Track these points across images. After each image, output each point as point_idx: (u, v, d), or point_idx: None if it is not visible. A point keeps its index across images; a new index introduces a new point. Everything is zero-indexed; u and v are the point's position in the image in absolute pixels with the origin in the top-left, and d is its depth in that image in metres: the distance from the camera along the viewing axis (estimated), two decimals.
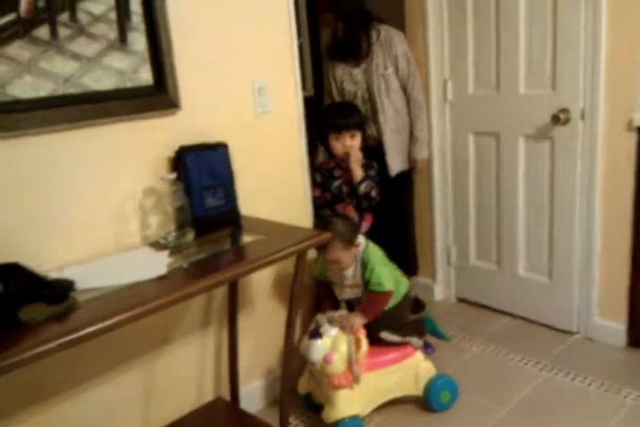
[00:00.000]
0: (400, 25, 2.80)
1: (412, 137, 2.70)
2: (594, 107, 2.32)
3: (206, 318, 2.01)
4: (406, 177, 2.81)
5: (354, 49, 2.61)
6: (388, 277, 2.10)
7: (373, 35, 2.60)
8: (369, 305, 2.09)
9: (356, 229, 2.13)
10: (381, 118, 2.61)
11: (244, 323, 2.08)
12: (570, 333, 2.61)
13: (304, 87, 2.27)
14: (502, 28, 2.51)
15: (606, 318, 2.51)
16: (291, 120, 2.17)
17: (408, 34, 2.77)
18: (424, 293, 3.00)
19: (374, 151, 2.61)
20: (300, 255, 1.71)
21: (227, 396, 2.09)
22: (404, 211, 2.90)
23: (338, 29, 2.60)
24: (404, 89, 2.65)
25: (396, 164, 2.68)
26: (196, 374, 2.01)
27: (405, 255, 2.91)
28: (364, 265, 2.12)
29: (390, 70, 2.59)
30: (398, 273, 2.23)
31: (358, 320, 2.03)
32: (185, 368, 1.97)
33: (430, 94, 2.78)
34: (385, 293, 2.09)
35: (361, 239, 2.14)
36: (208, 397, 2.05)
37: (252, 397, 2.18)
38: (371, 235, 2.74)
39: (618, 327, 2.47)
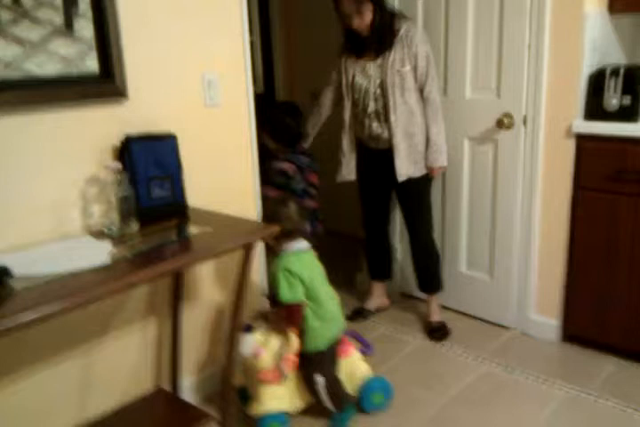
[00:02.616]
0: None
1: (428, 143, 2.50)
2: (536, 114, 2.42)
3: (149, 309, 1.99)
4: (418, 185, 2.57)
5: (376, 41, 2.42)
6: (286, 288, 1.94)
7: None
8: (284, 319, 1.99)
9: (293, 235, 2.01)
10: (392, 118, 2.43)
11: (187, 315, 2.08)
12: (508, 328, 2.70)
13: (255, 83, 2.28)
14: (451, 38, 2.60)
15: (542, 314, 2.61)
16: (240, 114, 2.17)
17: None
18: (368, 287, 3.06)
19: (383, 155, 2.51)
20: (247, 248, 1.72)
21: (167, 387, 2.08)
22: (419, 222, 2.64)
23: (360, 20, 2.37)
24: (421, 90, 2.46)
25: (404, 168, 2.48)
26: (137, 365, 1.99)
27: (424, 271, 2.73)
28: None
29: (408, 68, 2.41)
30: (334, 310, 2.07)
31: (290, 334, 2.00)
32: (125, 358, 1.95)
33: None
34: (287, 305, 1.95)
35: (296, 246, 2.01)
36: (148, 387, 2.03)
37: (193, 388, 2.18)
38: None
39: (552, 324, 2.58)
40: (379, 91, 2.46)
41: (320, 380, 1.98)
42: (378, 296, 2.94)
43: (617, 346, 2.41)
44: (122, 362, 1.94)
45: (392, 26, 2.42)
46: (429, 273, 2.72)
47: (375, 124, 2.51)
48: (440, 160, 2.53)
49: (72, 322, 1.71)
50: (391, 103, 2.43)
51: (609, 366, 2.39)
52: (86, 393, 1.84)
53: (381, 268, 2.91)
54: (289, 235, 2.01)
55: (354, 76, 2.51)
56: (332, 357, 2.05)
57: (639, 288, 2.29)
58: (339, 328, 2.09)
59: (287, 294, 1.94)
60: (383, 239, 2.85)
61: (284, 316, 1.99)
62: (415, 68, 2.43)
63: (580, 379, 2.31)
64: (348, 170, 2.65)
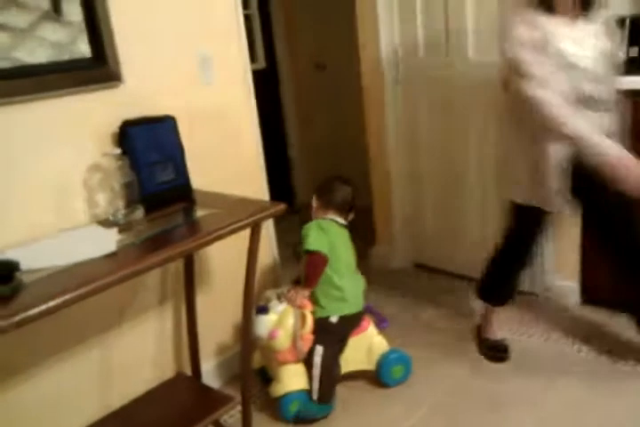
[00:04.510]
0: None
1: None
2: None
3: (164, 295, 1.99)
4: None
5: None
6: (314, 238, 1.99)
7: None
8: (304, 269, 2.04)
9: (337, 205, 2.09)
10: (615, 107, 1.90)
11: (202, 298, 2.06)
12: (527, 293, 2.67)
13: (254, 59, 2.23)
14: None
15: (561, 279, 2.58)
16: (239, 91, 2.12)
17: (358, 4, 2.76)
18: (383, 260, 3.05)
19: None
20: (255, 228, 1.70)
21: (189, 372, 2.08)
22: None
23: None
24: None
25: None
26: (156, 351, 1.99)
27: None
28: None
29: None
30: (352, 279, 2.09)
31: (301, 291, 2.01)
32: (144, 346, 1.95)
33: (381, 62, 2.77)
34: (310, 253, 1.99)
35: (334, 218, 2.09)
36: (169, 373, 2.03)
37: (214, 372, 2.18)
38: None
39: (572, 287, 2.55)
40: (600, 69, 1.80)
41: (319, 349, 1.98)
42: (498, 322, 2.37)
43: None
44: (141, 350, 1.94)
45: None
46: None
47: (607, 119, 1.83)
48: None
49: (86, 312, 1.70)
50: (615, 86, 1.88)
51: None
52: (107, 383, 1.85)
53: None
54: (332, 205, 2.08)
55: (561, 45, 1.74)
56: (338, 334, 2.04)
57: None
58: (356, 309, 2.07)
59: (313, 242, 1.98)
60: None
61: (305, 266, 2.01)
62: None
63: (603, 341, 2.28)
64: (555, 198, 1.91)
